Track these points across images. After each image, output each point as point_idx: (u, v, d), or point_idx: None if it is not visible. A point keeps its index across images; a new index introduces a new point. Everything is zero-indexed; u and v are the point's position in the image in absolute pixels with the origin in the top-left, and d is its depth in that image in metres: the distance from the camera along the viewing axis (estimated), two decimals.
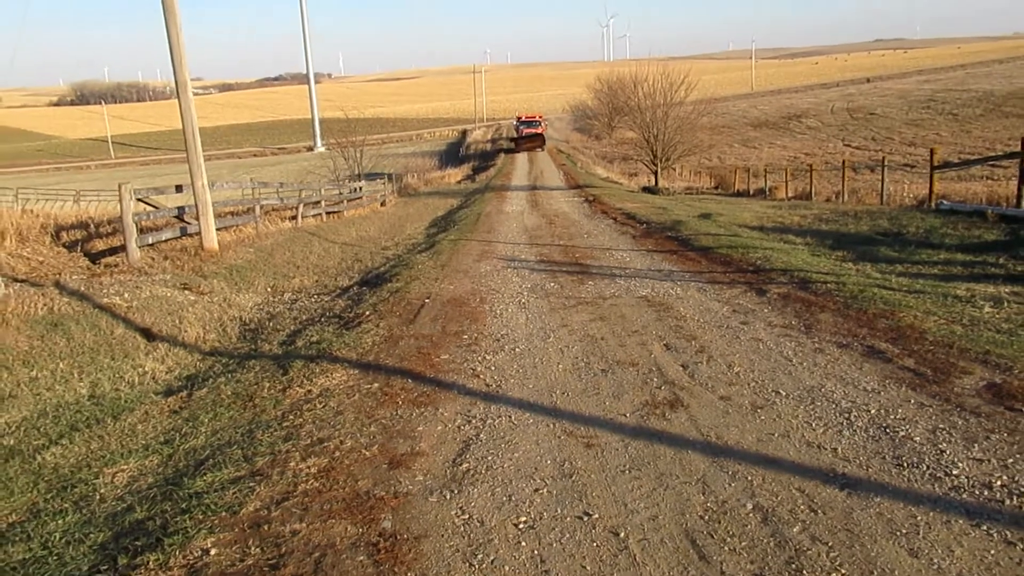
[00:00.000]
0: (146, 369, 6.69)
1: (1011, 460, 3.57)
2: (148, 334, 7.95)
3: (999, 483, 3.37)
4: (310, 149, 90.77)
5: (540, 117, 64.88)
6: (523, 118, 64.30)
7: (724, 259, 10.00)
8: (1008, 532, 2.98)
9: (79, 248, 12.45)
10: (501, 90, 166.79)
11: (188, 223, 12.79)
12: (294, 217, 18.25)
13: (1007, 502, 3.20)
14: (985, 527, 3.02)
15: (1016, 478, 3.40)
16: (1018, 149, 12.59)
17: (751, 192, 30.73)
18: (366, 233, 18.55)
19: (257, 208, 16.20)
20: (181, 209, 12.84)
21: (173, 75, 11.54)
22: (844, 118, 64.62)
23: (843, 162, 23.38)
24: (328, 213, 21.21)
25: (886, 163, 20.14)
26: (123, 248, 11.40)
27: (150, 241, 11.78)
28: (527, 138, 58.42)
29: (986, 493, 3.29)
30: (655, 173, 34.35)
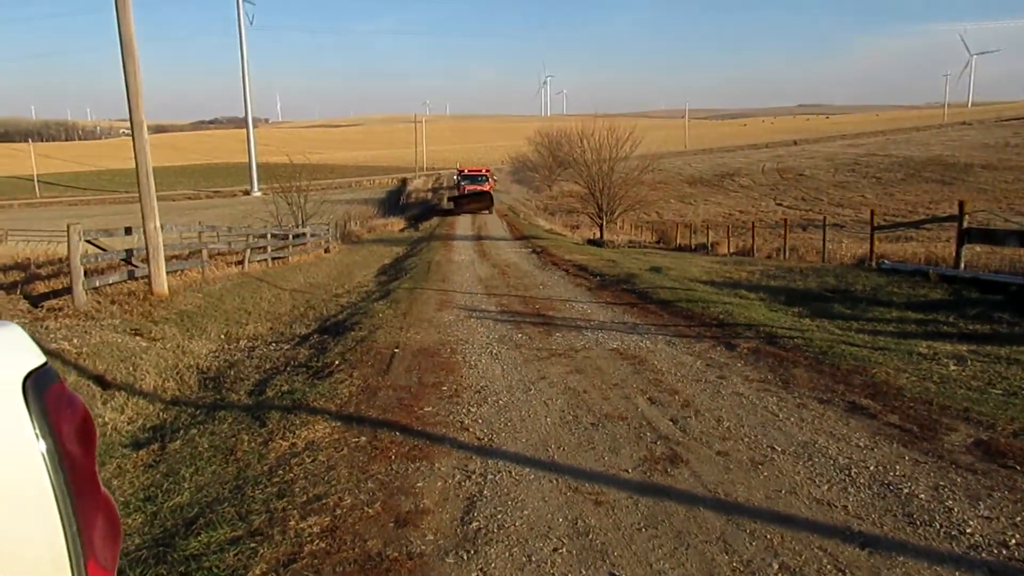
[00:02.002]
0: (106, 419, 6.35)
1: (1019, 518, 3.63)
2: (102, 382, 7.57)
3: (1014, 542, 3.41)
4: (246, 193, 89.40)
5: (487, 171, 52.64)
6: (465, 171, 52.26)
7: (686, 313, 10.11)
8: None
9: (18, 290, 11.87)
10: (440, 140, 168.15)
11: (136, 266, 12.37)
12: (240, 262, 17.84)
13: None
14: None
15: None
16: (943, 213, 13.22)
17: (693, 247, 31.45)
18: (315, 280, 18.25)
19: (204, 252, 15.81)
20: (129, 252, 12.42)
21: (129, 116, 11.25)
22: (775, 178, 67.10)
23: (785, 221, 24.19)
24: (273, 259, 20.82)
25: (818, 222, 20.91)
26: (67, 291, 10.92)
27: (96, 284, 11.34)
28: (471, 196, 47.07)
29: (1004, 552, 3.33)
30: (600, 226, 34.88)
